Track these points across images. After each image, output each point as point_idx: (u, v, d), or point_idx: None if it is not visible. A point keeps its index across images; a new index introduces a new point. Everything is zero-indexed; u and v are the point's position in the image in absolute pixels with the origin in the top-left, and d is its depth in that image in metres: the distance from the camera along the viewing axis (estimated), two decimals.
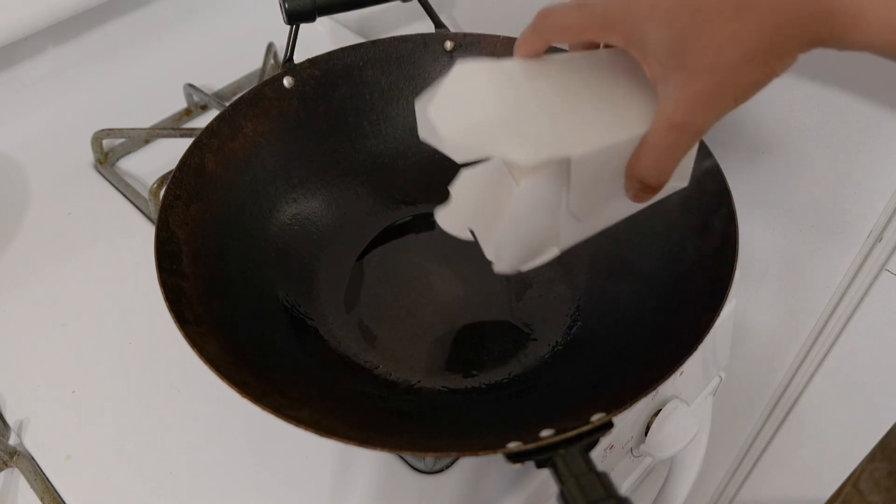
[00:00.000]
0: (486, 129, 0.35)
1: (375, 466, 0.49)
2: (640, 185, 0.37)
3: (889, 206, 0.55)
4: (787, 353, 0.72)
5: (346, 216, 0.61)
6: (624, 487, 0.68)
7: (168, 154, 0.70)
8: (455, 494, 0.48)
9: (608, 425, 0.39)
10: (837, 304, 0.64)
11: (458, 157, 0.35)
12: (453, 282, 0.57)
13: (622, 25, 0.34)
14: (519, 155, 0.34)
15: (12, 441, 0.52)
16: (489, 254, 0.42)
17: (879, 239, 0.57)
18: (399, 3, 0.65)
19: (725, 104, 0.32)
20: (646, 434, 0.62)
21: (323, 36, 0.84)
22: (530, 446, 0.37)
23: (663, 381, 0.40)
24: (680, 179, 0.42)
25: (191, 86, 0.74)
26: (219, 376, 0.40)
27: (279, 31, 0.65)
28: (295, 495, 0.48)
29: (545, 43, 0.38)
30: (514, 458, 0.38)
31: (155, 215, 0.62)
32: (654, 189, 0.37)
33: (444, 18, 0.65)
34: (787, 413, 0.77)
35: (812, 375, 0.71)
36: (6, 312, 0.59)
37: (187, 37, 0.81)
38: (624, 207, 0.42)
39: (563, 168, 0.37)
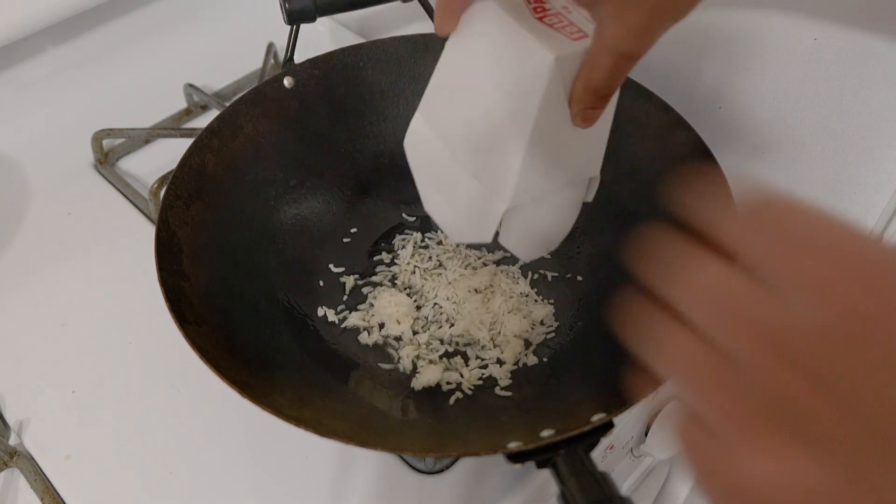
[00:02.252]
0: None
1: (375, 467, 0.49)
2: (589, 101, 0.36)
3: (889, 207, 0.55)
4: None
5: (347, 216, 0.61)
6: (624, 488, 0.68)
7: (168, 154, 0.70)
8: (455, 495, 0.48)
9: (609, 425, 0.39)
10: None
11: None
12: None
13: None
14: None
15: (12, 441, 0.52)
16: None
17: (880, 239, 0.57)
18: (399, 3, 0.65)
19: (662, 29, 0.32)
20: (646, 434, 0.62)
21: (323, 36, 0.84)
22: (531, 446, 0.37)
23: (664, 381, 0.40)
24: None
25: (191, 86, 0.74)
26: (219, 376, 0.40)
27: (279, 31, 0.65)
28: (295, 495, 0.48)
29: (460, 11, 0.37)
30: (515, 458, 0.38)
31: (155, 215, 0.62)
32: (598, 105, 0.36)
33: None
34: None
35: None
36: (6, 312, 0.59)
37: (187, 37, 0.81)
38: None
39: None
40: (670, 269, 0.21)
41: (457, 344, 0.54)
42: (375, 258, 0.59)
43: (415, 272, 0.58)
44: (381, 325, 0.55)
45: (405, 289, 0.57)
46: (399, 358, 0.53)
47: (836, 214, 0.19)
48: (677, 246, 0.21)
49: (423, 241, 0.60)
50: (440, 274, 0.57)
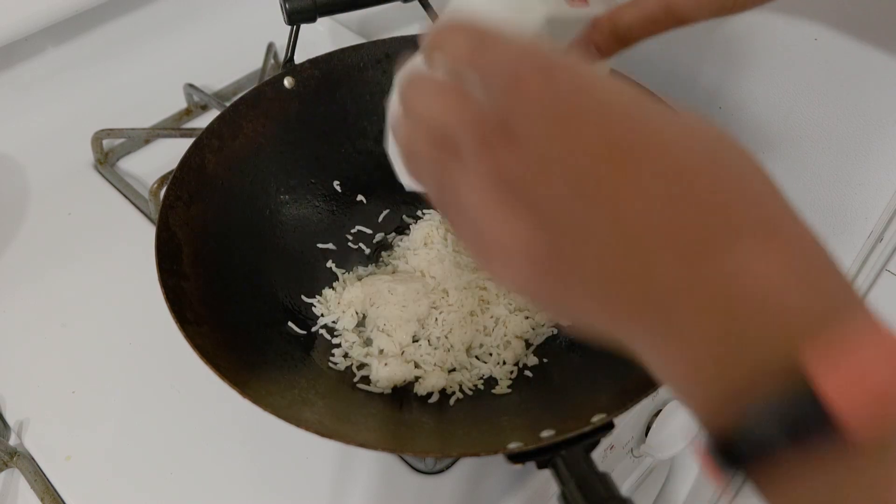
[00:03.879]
0: None
1: (376, 467, 0.49)
2: (599, 38, 0.37)
3: (890, 207, 0.55)
4: None
5: (347, 216, 0.61)
6: (624, 488, 0.68)
7: (168, 154, 0.70)
8: (455, 495, 0.48)
9: (609, 426, 0.39)
10: None
11: None
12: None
13: None
14: None
15: (12, 441, 0.51)
16: None
17: (880, 239, 0.57)
18: (399, 3, 0.65)
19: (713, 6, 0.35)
20: (646, 434, 0.62)
21: (323, 36, 0.84)
22: (531, 447, 0.37)
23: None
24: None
25: (191, 86, 0.74)
26: (219, 376, 0.40)
27: (279, 31, 0.65)
28: (295, 496, 0.48)
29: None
30: (515, 458, 0.38)
31: (155, 215, 0.62)
32: (602, 46, 0.37)
33: None
34: None
35: None
36: (6, 312, 0.59)
37: (187, 37, 0.81)
38: None
39: None
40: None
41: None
42: (376, 258, 0.59)
43: (416, 272, 0.58)
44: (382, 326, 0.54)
45: None
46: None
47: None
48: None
49: (423, 240, 0.60)
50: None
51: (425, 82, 0.25)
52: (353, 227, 0.61)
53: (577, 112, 0.21)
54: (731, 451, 0.19)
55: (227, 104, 0.57)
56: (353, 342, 0.53)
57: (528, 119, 0.22)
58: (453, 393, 0.50)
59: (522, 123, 0.22)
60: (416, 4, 0.65)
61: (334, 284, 0.57)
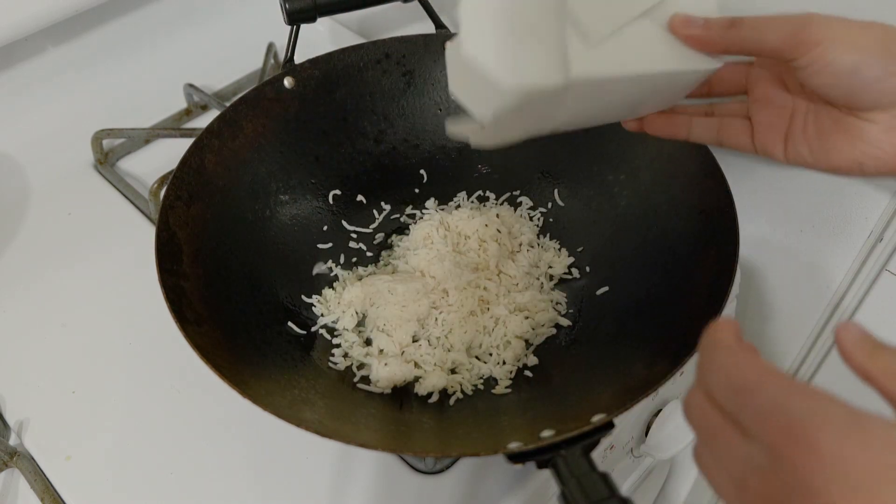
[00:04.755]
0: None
1: (376, 467, 0.49)
2: (715, 26, 0.38)
3: (889, 207, 0.55)
4: (788, 353, 0.72)
5: (347, 216, 0.61)
6: (624, 488, 0.68)
7: (168, 154, 0.70)
8: (455, 495, 0.48)
9: (609, 426, 0.39)
10: (838, 304, 0.64)
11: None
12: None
13: None
14: None
15: (12, 441, 0.51)
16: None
17: (880, 239, 0.57)
18: (399, 3, 0.65)
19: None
20: (646, 434, 0.62)
21: (323, 36, 0.84)
22: (531, 447, 0.38)
23: (664, 381, 0.40)
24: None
25: (191, 86, 0.74)
26: (219, 376, 0.40)
27: (279, 31, 0.65)
28: (295, 495, 0.48)
29: (724, 48, 0.38)
30: (515, 458, 0.38)
31: (155, 215, 0.62)
32: (705, 34, 0.38)
33: (444, 19, 0.65)
34: None
35: (812, 375, 0.71)
36: (6, 312, 0.59)
37: (187, 37, 0.81)
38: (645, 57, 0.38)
39: None
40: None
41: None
42: (376, 258, 0.59)
43: (416, 272, 0.58)
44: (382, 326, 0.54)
45: None
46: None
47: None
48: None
49: (423, 240, 0.60)
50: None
51: (715, 427, 0.31)
52: (353, 227, 0.61)
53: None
54: None
55: (227, 104, 0.57)
56: (353, 342, 0.53)
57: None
58: (453, 393, 0.50)
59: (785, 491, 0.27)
60: (416, 4, 0.65)
61: (334, 284, 0.57)
